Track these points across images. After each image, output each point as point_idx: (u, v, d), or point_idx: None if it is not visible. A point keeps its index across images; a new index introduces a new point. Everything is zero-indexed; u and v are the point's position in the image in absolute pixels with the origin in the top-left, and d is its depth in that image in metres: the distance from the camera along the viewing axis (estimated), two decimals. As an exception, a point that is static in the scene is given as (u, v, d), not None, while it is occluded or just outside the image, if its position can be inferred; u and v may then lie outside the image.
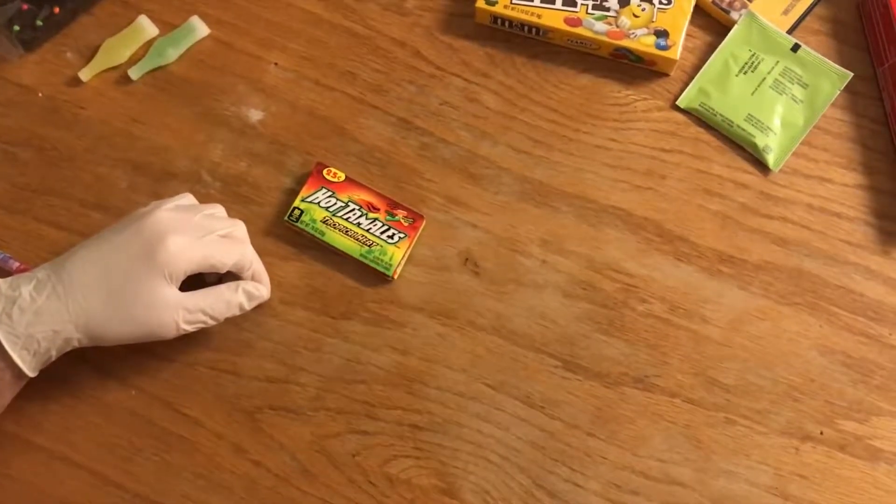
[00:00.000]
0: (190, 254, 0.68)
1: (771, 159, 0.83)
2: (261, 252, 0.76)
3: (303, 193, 0.80)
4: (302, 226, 0.79)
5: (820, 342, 0.78)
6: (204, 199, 0.78)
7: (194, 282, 0.71)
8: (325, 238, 0.79)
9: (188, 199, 0.75)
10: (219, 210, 0.76)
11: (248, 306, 0.74)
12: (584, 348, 0.77)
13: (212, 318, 0.71)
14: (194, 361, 0.77)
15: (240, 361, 0.77)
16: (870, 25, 0.86)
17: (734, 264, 0.80)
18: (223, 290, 0.72)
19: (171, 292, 0.68)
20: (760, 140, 0.82)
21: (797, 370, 0.77)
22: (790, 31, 0.86)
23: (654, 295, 0.79)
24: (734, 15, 0.86)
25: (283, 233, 0.81)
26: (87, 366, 0.76)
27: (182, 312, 0.69)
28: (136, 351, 0.75)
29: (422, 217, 0.80)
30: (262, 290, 0.75)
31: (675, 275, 0.80)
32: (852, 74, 0.84)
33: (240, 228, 0.75)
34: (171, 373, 0.77)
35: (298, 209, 0.79)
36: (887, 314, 0.79)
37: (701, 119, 0.85)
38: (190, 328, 0.71)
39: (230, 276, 0.74)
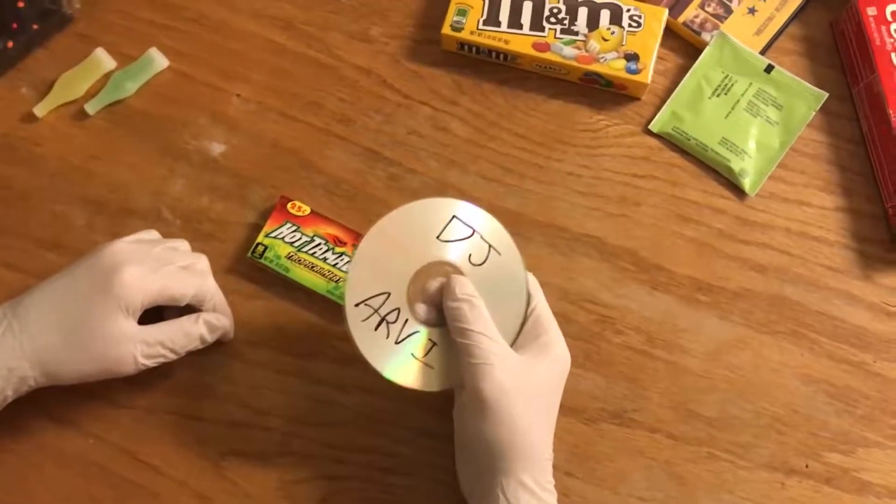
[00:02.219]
0: (146, 285, 0.66)
1: (747, 183, 0.81)
2: (224, 290, 0.74)
3: (266, 228, 0.77)
4: (266, 262, 0.76)
5: (802, 371, 0.76)
6: (165, 236, 0.75)
7: (156, 318, 0.69)
8: (290, 274, 0.76)
9: (152, 234, 0.74)
10: (182, 244, 0.74)
11: (209, 338, 0.71)
12: (559, 383, 0.75)
13: (172, 351, 0.69)
14: (155, 407, 0.74)
15: (202, 406, 0.74)
16: (843, 44, 0.85)
17: (712, 292, 0.78)
18: (182, 321, 0.70)
19: (129, 325, 0.66)
20: (736, 164, 0.80)
21: (780, 401, 0.75)
22: (763, 52, 0.84)
23: (631, 326, 0.77)
24: (705, 36, 0.84)
25: (246, 270, 0.78)
26: (43, 414, 0.73)
27: (140, 346, 0.66)
28: (94, 397, 0.73)
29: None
30: (224, 321, 0.72)
31: (651, 304, 0.78)
32: (827, 95, 0.82)
33: (202, 261, 0.73)
34: (130, 420, 0.73)
35: (262, 245, 0.77)
36: (870, 340, 0.76)
37: (674, 143, 0.83)
38: (149, 363, 0.68)
39: (191, 311, 0.71)
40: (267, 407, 0.74)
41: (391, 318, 0.65)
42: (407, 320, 0.65)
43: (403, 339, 0.65)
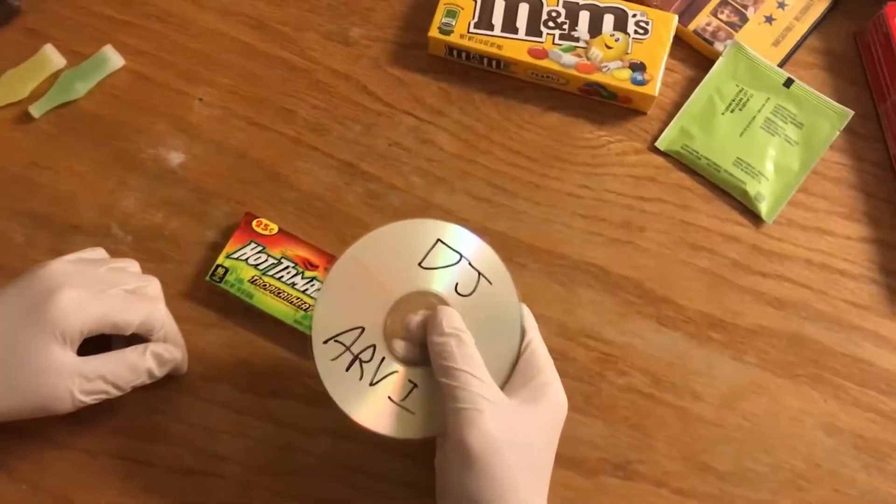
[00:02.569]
0: (86, 310, 0.59)
1: (764, 209, 0.73)
2: (178, 318, 0.67)
3: (228, 249, 0.71)
4: (226, 287, 0.69)
5: (826, 420, 0.69)
6: (113, 255, 0.69)
7: (99, 348, 0.62)
8: (253, 301, 0.69)
9: (98, 252, 0.67)
10: (132, 265, 0.67)
11: (158, 373, 0.64)
12: (555, 429, 0.67)
13: (115, 386, 0.62)
14: (97, 450, 0.66)
15: (151, 449, 0.67)
16: (869, 58, 0.78)
17: (725, 330, 0.71)
18: (128, 353, 0.63)
19: (65, 356, 0.59)
20: (751, 187, 0.73)
21: (801, 454, 0.68)
22: (781, 65, 0.78)
23: (636, 366, 0.70)
24: (718, 46, 0.77)
25: (204, 295, 0.71)
26: (-34, 456, 0.65)
27: (78, 380, 0.59)
28: (25, 436, 0.66)
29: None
30: (175, 353, 0.66)
31: (658, 342, 0.70)
32: (853, 113, 0.75)
33: (153, 285, 0.66)
34: (68, 463, 0.66)
35: (223, 267, 0.70)
36: (901, 387, 0.69)
37: (683, 163, 0.76)
38: (88, 399, 0.61)
39: (138, 341, 0.64)
40: (224, 452, 0.67)
41: (365, 356, 0.58)
42: (383, 359, 0.58)
43: (379, 381, 0.58)
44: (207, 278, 0.70)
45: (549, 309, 0.71)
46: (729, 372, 0.70)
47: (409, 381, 0.58)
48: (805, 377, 0.70)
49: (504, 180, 0.75)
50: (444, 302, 0.58)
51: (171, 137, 0.76)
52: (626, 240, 0.73)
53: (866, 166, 0.76)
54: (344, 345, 0.58)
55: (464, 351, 0.55)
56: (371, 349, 0.58)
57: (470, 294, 0.59)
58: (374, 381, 0.57)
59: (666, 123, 0.77)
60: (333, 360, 0.57)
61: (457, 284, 0.59)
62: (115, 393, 0.62)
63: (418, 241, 0.59)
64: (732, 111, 0.76)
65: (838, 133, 0.75)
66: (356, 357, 0.57)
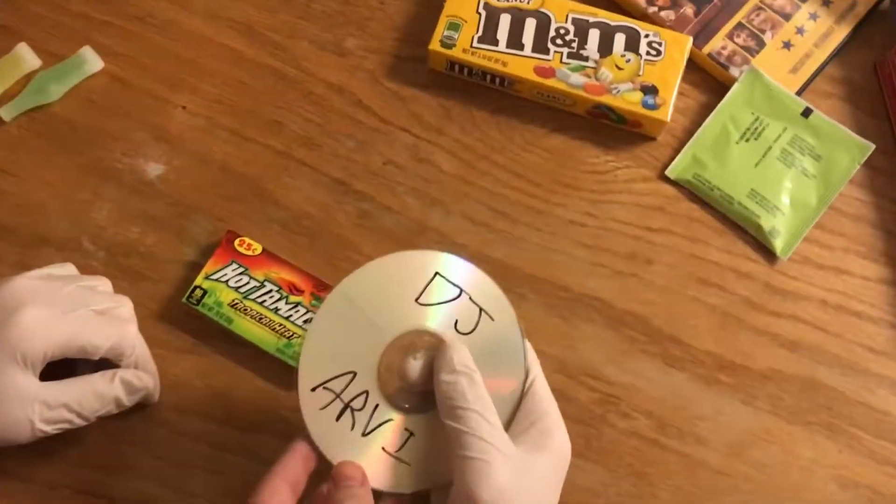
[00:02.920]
0: (51, 332, 0.56)
1: (779, 245, 0.70)
2: (151, 342, 0.63)
3: (207, 269, 0.67)
4: (204, 310, 0.66)
5: (839, 472, 0.65)
6: (83, 271, 0.65)
7: (63, 372, 0.58)
8: (232, 326, 0.65)
9: (67, 268, 0.64)
10: (103, 283, 0.64)
11: (127, 402, 0.60)
12: (552, 475, 0.63)
13: (79, 415, 0.58)
14: (58, 482, 0.63)
15: (116, 484, 0.63)
16: (890, 89, 0.74)
17: (735, 372, 0.67)
18: (95, 379, 0.59)
19: (26, 381, 0.56)
20: (766, 221, 0.70)
21: (813, 508, 0.64)
22: (799, 93, 0.74)
23: (640, 408, 0.66)
24: (734, 71, 0.74)
25: (180, 318, 0.67)
26: (-85, 487, 0.61)
27: (39, 407, 0.56)
28: None
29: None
30: (146, 380, 0.62)
31: (664, 383, 0.67)
32: (874, 147, 0.72)
33: (125, 306, 0.62)
34: (26, 497, 0.62)
35: (201, 289, 0.66)
36: (919, 439, 0.66)
37: (694, 193, 0.72)
38: (49, 429, 0.57)
39: (107, 367, 0.60)
40: (196, 489, 0.63)
41: (357, 403, 0.53)
42: (377, 406, 0.53)
43: (372, 430, 0.53)
44: (184, 300, 0.66)
45: (549, 344, 0.67)
46: (738, 417, 0.66)
47: (406, 429, 0.53)
48: (818, 425, 0.66)
49: (504, 204, 0.72)
50: (442, 341, 0.54)
51: (150, 147, 0.72)
52: (632, 272, 0.70)
53: (886, 203, 0.72)
54: (334, 392, 0.53)
55: (475, 392, 0.51)
56: (364, 396, 0.54)
57: (471, 332, 0.55)
58: (367, 431, 0.53)
59: (677, 151, 0.73)
60: (322, 409, 0.53)
61: (456, 322, 0.55)
62: (78, 423, 0.58)
63: (415, 275, 0.55)
64: (747, 140, 0.72)
65: (858, 167, 0.72)
66: (347, 405, 0.53)
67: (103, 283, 0.63)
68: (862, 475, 0.65)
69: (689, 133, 0.74)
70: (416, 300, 0.55)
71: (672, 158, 0.73)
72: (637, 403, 0.66)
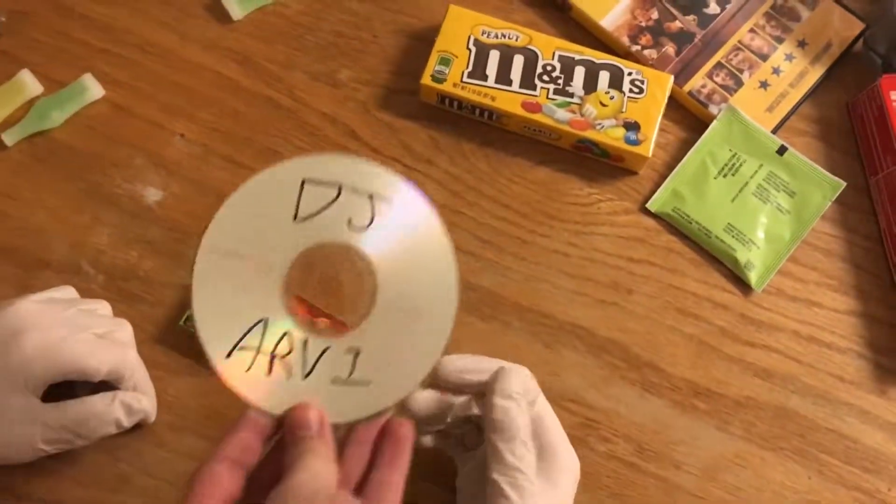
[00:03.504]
0: (53, 355, 0.57)
1: (753, 277, 0.72)
2: (148, 363, 0.64)
3: None
4: None
5: (809, 497, 0.67)
6: (82, 294, 0.66)
7: (64, 393, 0.59)
8: None
9: (67, 291, 0.65)
10: (103, 307, 0.65)
11: (126, 423, 0.61)
12: (535, 497, 0.65)
13: (79, 436, 0.59)
14: (55, 500, 0.63)
15: (114, 501, 0.63)
16: (861, 130, 0.77)
17: (711, 399, 0.69)
18: (95, 401, 0.59)
19: (28, 402, 0.57)
20: (742, 254, 0.72)
21: (784, 531, 0.66)
22: (775, 131, 0.77)
23: (619, 433, 0.68)
24: (713, 109, 0.76)
25: (176, 340, 0.68)
26: (-84, 504, 0.61)
27: (41, 428, 0.57)
28: None
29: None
30: (145, 403, 0.62)
31: (642, 409, 0.68)
32: (845, 184, 0.74)
33: (124, 330, 0.63)
34: None
35: None
36: (885, 466, 0.68)
37: (674, 226, 0.74)
38: (50, 449, 0.58)
39: (106, 389, 0.61)
40: None
41: (282, 349, 0.47)
42: (306, 341, 0.48)
43: (313, 368, 0.47)
44: (181, 323, 0.67)
45: (533, 370, 0.67)
46: (713, 442, 0.68)
47: (349, 349, 0.48)
48: (789, 451, 0.68)
49: (491, 234, 0.73)
50: (345, 249, 0.48)
51: (148, 173, 0.73)
52: (613, 301, 0.72)
53: (856, 238, 0.75)
54: (252, 348, 0.47)
55: (522, 422, 0.53)
56: (285, 338, 0.48)
57: (370, 224, 0.49)
58: (308, 371, 0.47)
59: (658, 184, 0.75)
60: (248, 370, 0.47)
61: (350, 220, 0.49)
62: (79, 443, 0.59)
63: (281, 195, 0.49)
64: (725, 176, 0.74)
65: (829, 203, 0.74)
66: (272, 355, 0.47)
67: (103, 307, 0.64)
68: (830, 500, 0.67)
69: (670, 168, 0.76)
70: (295, 219, 0.48)
71: (653, 192, 0.75)
72: (616, 428, 0.68)
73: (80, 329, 0.59)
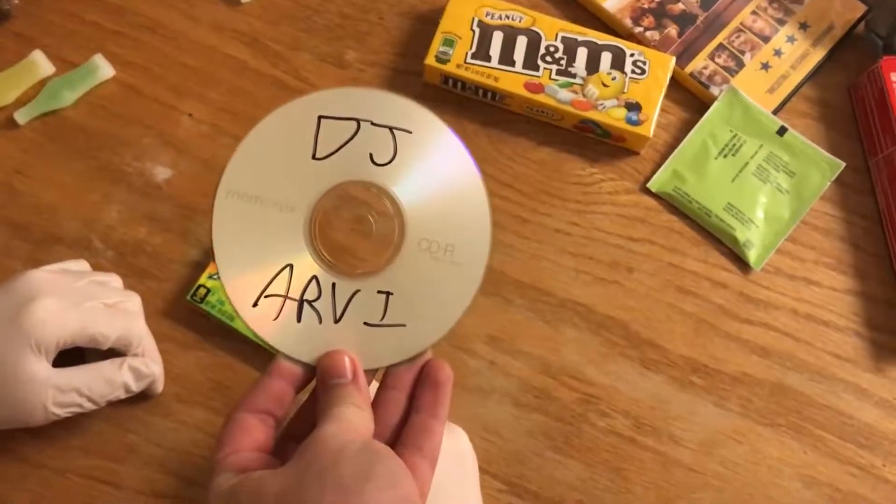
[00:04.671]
0: (63, 321, 0.58)
1: (752, 256, 0.73)
2: (156, 337, 0.65)
3: (211, 269, 0.69)
4: (207, 308, 0.67)
5: (804, 471, 0.68)
6: (94, 268, 0.67)
7: (75, 361, 0.60)
8: (234, 324, 0.67)
9: (80, 264, 0.66)
10: (114, 280, 0.66)
11: (135, 387, 0.62)
12: (534, 469, 0.66)
13: (89, 399, 0.60)
14: (65, 468, 0.64)
15: (121, 470, 0.64)
16: (862, 111, 0.78)
17: (709, 375, 0.70)
18: (104, 366, 0.61)
19: (40, 367, 0.57)
20: (741, 233, 0.73)
21: (778, 503, 0.67)
22: (775, 112, 0.77)
23: (618, 408, 0.69)
24: (714, 90, 0.77)
25: (184, 315, 0.69)
26: (-71, 469, 0.63)
27: (52, 392, 0.58)
28: None
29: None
30: (153, 367, 0.64)
31: (641, 385, 0.69)
32: (844, 165, 0.75)
33: (133, 301, 0.64)
34: (35, 481, 0.63)
35: (204, 287, 0.68)
36: (880, 441, 0.69)
37: (674, 205, 0.75)
38: (62, 412, 0.59)
39: (116, 356, 0.62)
40: (196, 477, 0.64)
41: (310, 294, 0.46)
42: (335, 284, 0.46)
43: (344, 311, 0.46)
44: (188, 298, 0.68)
45: (534, 346, 0.70)
46: (710, 418, 0.69)
47: (379, 292, 0.46)
48: (786, 427, 0.69)
49: (493, 213, 0.74)
50: (369, 186, 0.47)
51: (157, 152, 0.74)
52: (613, 280, 0.73)
53: (855, 219, 0.76)
54: (279, 295, 0.46)
55: None
56: (313, 281, 0.46)
57: (392, 159, 0.47)
58: (339, 315, 0.46)
59: (658, 164, 0.76)
60: (276, 318, 0.45)
61: (371, 155, 0.47)
62: (89, 406, 0.60)
63: (298, 132, 0.46)
64: (725, 156, 0.75)
65: (829, 184, 0.75)
66: (301, 301, 0.46)
67: (114, 280, 0.65)
68: (825, 474, 0.68)
69: (671, 148, 0.77)
70: (314, 157, 0.46)
71: (654, 172, 0.76)
72: (615, 403, 0.69)
73: (90, 298, 0.60)
